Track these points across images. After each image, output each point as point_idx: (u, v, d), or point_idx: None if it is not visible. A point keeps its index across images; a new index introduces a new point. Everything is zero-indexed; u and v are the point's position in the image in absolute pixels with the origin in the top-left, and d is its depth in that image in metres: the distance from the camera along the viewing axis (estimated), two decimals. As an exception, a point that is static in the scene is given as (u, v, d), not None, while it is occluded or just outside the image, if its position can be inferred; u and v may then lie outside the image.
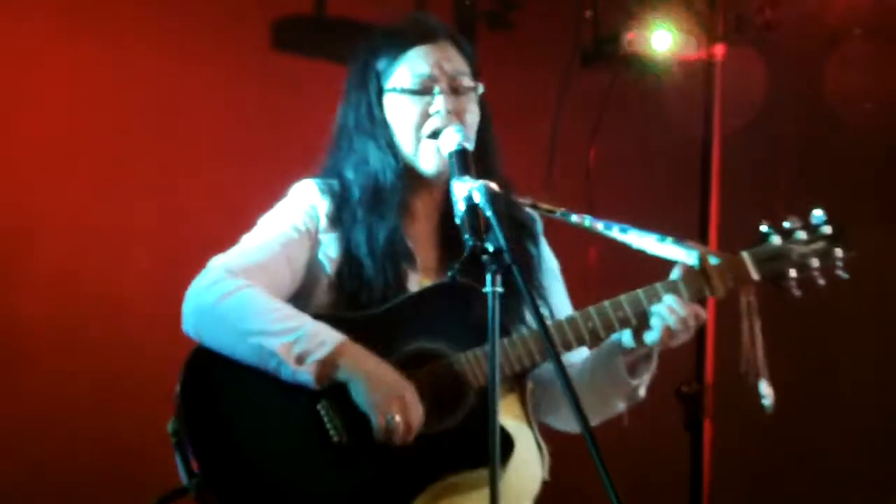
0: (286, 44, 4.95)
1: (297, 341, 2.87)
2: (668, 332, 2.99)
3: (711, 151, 5.27)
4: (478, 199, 2.77)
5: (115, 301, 4.65)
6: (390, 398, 2.87)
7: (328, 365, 2.88)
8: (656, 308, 3.00)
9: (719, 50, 5.28)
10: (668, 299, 3.01)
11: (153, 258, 4.70)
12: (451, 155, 2.95)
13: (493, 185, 2.80)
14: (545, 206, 3.24)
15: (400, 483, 2.91)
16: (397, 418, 2.86)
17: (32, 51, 4.67)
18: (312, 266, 3.07)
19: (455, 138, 2.97)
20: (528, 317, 3.07)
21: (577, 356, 3.18)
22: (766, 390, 2.93)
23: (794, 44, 5.49)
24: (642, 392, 3.14)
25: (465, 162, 2.92)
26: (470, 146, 2.97)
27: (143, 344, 4.50)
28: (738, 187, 5.37)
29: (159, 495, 2.96)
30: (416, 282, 3.08)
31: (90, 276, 4.66)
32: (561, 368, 2.66)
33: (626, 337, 3.05)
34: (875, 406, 5.56)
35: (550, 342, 2.74)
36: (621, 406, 3.16)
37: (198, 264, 3.09)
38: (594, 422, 3.13)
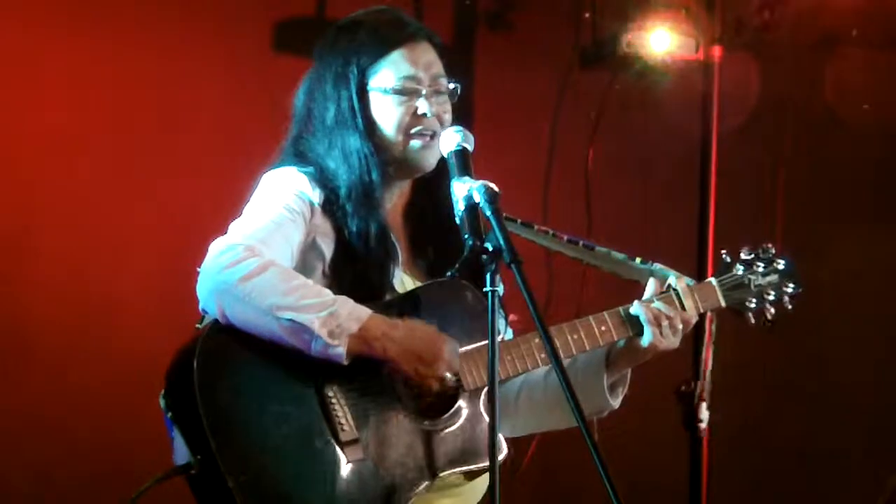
0: (287, 46, 4.96)
1: (332, 316, 2.87)
2: (659, 336, 3.09)
3: (709, 152, 5.28)
4: (478, 199, 2.81)
5: (116, 300, 4.65)
6: (432, 363, 2.93)
7: (360, 340, 2.89)
8: (643, 313, 3.10)
9: (717, 51, 5.29)
10: (655, 304, 3.11)
11: (153, 258, 4.70)
12: (450, 155, 2.99)
13: (493, 186, 2.83)
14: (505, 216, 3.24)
15: (400, 477, 2.94)
16: (448, 378, 2.95)
17: (32, 51, 4.67)
18: (307, 252, 3.08)
19: (455, 139, 3.00)
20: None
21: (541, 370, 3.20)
22: (703, 414, 3.04)
23: (791, 45, 5.51)
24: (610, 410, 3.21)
25: (465, 162, 2.95)
26: (470, 147, 3.00)
27: (143, 343, 4.50)
28: (736, 188, 5.38)
29: (160, 474, 2.95)
30: (399, 276, 3.12)
31: (90, 275, 4.66)
32: (561, 370, 2.69)
33: (619, 342, 3.14)
34: (872, 405, 5.57)
35: (551, 343, 2.76)
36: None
37: (198, 264, 3.10)
38: (551, 428, 3.25)
